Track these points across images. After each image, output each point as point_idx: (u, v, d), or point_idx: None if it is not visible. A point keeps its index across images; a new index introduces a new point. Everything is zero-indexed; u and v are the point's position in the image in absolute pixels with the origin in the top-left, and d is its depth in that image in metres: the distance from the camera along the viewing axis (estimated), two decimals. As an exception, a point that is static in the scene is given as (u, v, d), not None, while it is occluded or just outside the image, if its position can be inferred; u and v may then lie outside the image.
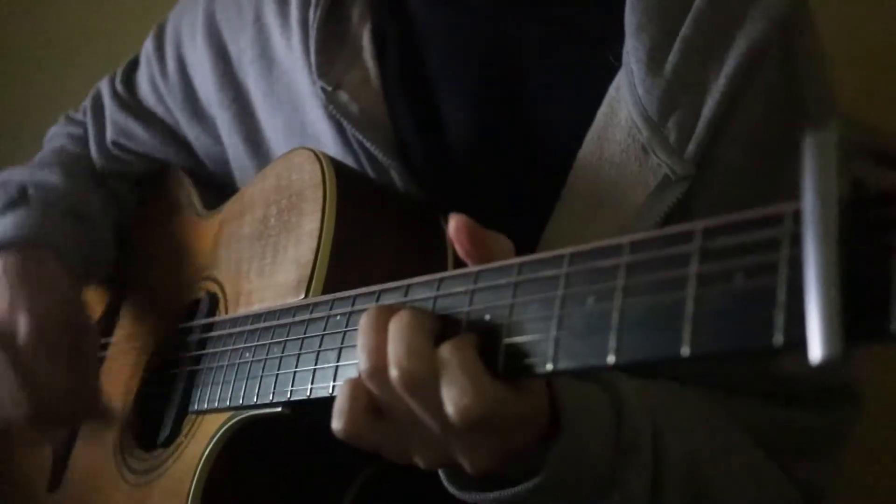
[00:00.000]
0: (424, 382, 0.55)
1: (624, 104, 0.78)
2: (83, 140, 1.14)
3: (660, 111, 0.77)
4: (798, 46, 0.79)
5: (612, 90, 0.80)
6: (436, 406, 0.55)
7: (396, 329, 0.57)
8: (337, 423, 0.60)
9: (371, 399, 0.59)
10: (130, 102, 1.11)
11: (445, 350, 0.55)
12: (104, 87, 1.15)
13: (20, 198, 1.00)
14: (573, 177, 0.81)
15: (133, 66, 1.14)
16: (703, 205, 0.77)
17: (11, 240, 0.95)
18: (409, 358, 0.56)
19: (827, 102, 0.81)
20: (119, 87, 1.13)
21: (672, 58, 0.77)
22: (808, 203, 0.41)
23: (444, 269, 0.81)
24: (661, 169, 0.76)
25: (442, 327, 0.58)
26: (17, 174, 1.05)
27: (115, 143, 1.12)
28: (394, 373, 0.56)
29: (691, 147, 0.76)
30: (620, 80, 0.80)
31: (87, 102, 1.16)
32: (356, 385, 0.60)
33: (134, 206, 1.13)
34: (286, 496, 0.81)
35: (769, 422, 0.76)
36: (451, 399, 0.54)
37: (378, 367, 0.58)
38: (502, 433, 0.57)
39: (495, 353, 0.55)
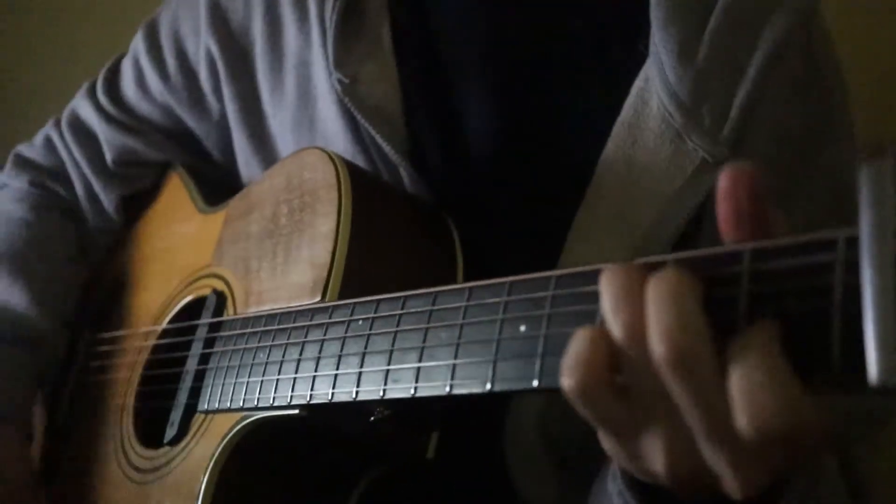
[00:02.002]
0: (701, 366, 0.46)
1: (654, 93, 0.79)
2: (41, 205, 1.07)
3: (693, 98, 0.78)
4: (815, 33, 0.82)
5: (639, 81, 0.81)
6: (710, 399, 0.46)
7: (662, 293, 0.47)
8: (569, 380, 0.50)
9: (614, 358, 0.50)
10: (121, 117, 1.07)
11: (742, 336, 0.46)
12: (83, 109, 1.08)
13: None
14: (602, 168, 0.81)
15: (113, 74, 1.09)
16: None
17: None
18: (683, 333, 0.46)
19: (843, 86, 0.83)
20: (104, 102, 1.08)
21: (703, 49, 0.79)
22: (866, 230, 0.43)
23: (454, 270, 0.82)
24: (697, 153, 0.77)
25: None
26: None
27: (115, 163, 1.07)
28: (659, 348, 0.46)
29: (726, 131, 0.77)
30: (649, 70, 0.80)
31: (66, 136, 1.09)
32: (598, 336, 0.50)
33: (103, 248, 1.10)
34: (295, 496, 0.81)
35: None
36: (748, 404, 0.44)
37: (635, 338, 0.48)
38: (797, 452, 0.47)
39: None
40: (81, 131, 1.09)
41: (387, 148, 0.86)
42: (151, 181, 1.10)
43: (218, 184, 1.04)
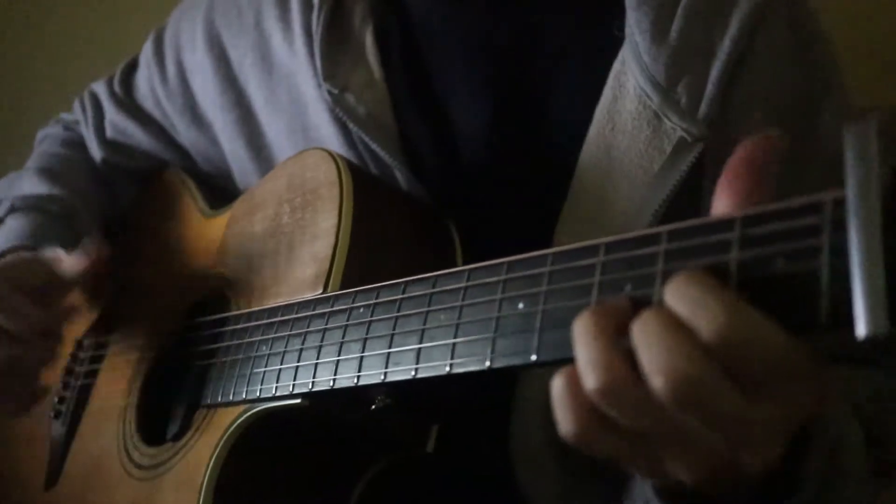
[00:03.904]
0: (708, 388, 0.46)
1: (631, 75, 0.80)
2: (73, 141, 1.17)
3: (668, 77, 0.79)
4: (801, 5, 0.83)
5: (617, 64, 0.82)
6: (717, 410, 0.46)
7: (649, 335, 0.47)
8: (564, 426, 0.50)
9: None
10: (128, 104, 1.13)
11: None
12: (100, 88, 1.16)
13: None
14: (584, 155, 0.82)
15: (131, 67, 1.15)
16: (720, 167, 0.78)
17: None
18: (688, 364, 0.45)
19: (831, 49, 0.84)
20: (117, 88, 1.14)
21: (675, 25, 0.80)
22: (851, 190, 0.44)
23: (454, 264, 0.82)
24: (675, 132, 0.78)
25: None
26: None
27: (113, 142, 1.14)
28: (659, 382, 0.46)
29: (703, 109, 0.78)
30: (625, 52, 0.81)
31: (85, 101, 1.17)
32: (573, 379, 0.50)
33: (130, 195, 1.15)
34: (297, 487, 0.81)
35: (864, 391, 0.73)
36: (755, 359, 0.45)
37: (617, 382, 0.48)
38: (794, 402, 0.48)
39: None
40: (95, 102, 1.16)
41: (381, 152, 0.87)
42: (142, 167, 1.14)
43: (217, 188, 1.06)
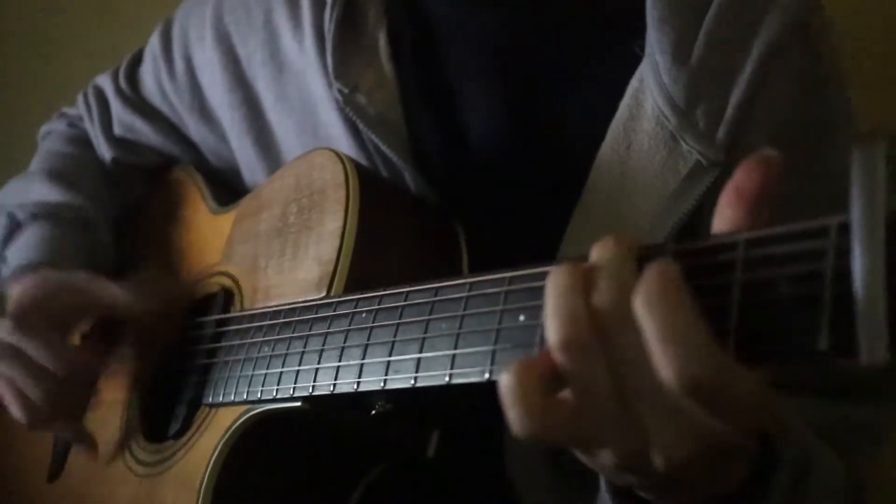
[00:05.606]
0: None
1: (649, 94, 0.80)
2: (79, 139, 1.16)
3: (687, 99, 0.78)
4: (816, 26, 0.82)
5: (634, 81, 0.81)
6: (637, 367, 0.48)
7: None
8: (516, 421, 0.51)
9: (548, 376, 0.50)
10: (135, 100, 1.12)
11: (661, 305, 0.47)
12: (106, 83, 1.15)
13: (13, 226, 1.05)
14: (596, 170, 0.81)
15: (136, 61, 1.14)
16: None
17: (15, 272, 0.99)
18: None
19: (845, 82, 0.83)
20: (123, 83, 1.13)
21: (697, 50, 0.79)
22: (857, 215, 0.43)
23: (459, 270, 0.83)
24: (691, 155, 0.77)
25: None
26: (7, 197, 1.08)
27: (122, 139, 1.13)
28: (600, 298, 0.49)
29: (721, 134, 0.78)
30: (644, 70, 0.81)
31: (89, 97, 1.16)
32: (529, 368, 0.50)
33: (140, 193, 1.15)
34: (296, 489, 0.82)
35: (831, 419, 0.73)
36: (673, 360, 0.47)
37: (578, 336, 0.49)
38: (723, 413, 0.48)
39: None
40: (100, 98, 1.16)
41: (391, 154, 0.87)
42: (150, 162, 1.14)
43: (225, 184, 1.05)
